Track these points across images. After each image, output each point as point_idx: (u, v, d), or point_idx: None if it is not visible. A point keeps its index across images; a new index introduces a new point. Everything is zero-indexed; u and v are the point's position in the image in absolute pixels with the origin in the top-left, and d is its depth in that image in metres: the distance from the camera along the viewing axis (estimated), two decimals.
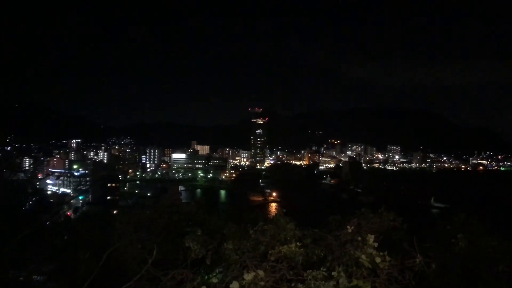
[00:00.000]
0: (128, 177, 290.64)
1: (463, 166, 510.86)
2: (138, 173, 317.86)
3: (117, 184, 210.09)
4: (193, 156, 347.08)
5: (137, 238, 13.23)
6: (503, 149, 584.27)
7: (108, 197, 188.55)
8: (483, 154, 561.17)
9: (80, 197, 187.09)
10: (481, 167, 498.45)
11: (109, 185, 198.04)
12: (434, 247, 9.19)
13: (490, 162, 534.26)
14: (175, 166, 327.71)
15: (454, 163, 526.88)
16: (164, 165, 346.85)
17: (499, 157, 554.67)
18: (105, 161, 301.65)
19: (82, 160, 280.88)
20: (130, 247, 12.83)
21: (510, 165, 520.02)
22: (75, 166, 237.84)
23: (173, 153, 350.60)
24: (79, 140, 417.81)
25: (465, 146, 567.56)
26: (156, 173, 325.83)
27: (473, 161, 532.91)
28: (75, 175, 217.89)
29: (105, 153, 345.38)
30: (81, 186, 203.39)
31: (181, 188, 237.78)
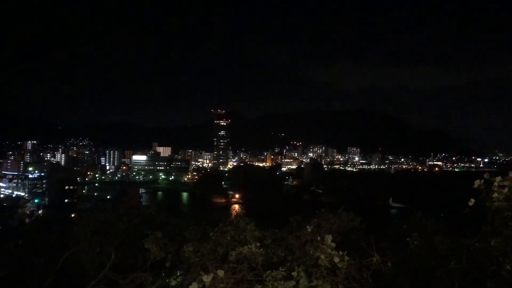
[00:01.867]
0: (86, 179, 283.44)
1: (419, 167, 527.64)
2: (97, 175, 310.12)
3: (75, 187, 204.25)
4: (154, 158, 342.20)
5: (96, 242, 12.93)
6: (457, 151, 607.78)
7: (66, 200, 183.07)
8: (438, 155, 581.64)
9: (36, 200, 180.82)
10: (436, 168, 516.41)
11: (66, 187, 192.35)
12: (390, 246, 9.46)
13: (445, 163, 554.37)
14: (135, 168, 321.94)
15: (411, 164, 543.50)
16: (124, 167, 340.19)
17: (454, 158, 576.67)
18: (63, 163, 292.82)
19: (38, 162, 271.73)
20: (88, 251, 12.53)
21: (464, 166, 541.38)
22: (30, 168, 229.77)
23: (134, 154, 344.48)
24: (34, 142, 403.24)
25: (422, 148, 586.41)
26: (116, 175, 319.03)
27: (429, 162, 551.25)
28: (30, 178, 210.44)
29: (63, 154, 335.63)
30: (36, 189, 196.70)
31: (141, 190, 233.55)
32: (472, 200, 7.50)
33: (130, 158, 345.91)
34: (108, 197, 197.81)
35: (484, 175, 7.61)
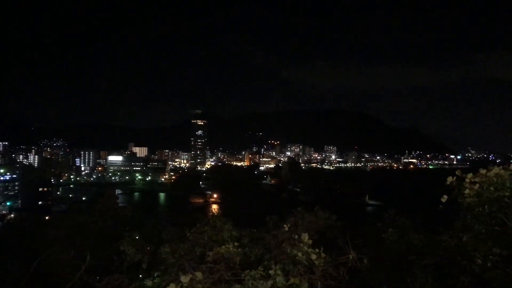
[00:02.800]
0: (61, 181, 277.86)
1: (395, 165, 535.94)
2: (72, 176, 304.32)
3: (49, 189, 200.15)
4: (131, 158, 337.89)
5: (70, 244, 12.71)
6: (431, 149, 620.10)
7: (39, 203, 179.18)
8: (413, 153, 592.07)
9: (8, 203, 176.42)
10: (411, 166, 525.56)
11: (40, 189, 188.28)
12: (366, 243, 9.60)
13: (420, 161, 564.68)
14: (111, 169, 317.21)
15: (387, 162, 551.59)
16: (100, 168, 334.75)
17: (428, 156, 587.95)
18: (36, 165, 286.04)
19: (10, 164, 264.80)
20: (63, 253, 12.30)
21: (438, 163, 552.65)
22: (2, 170, 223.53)
23: (109, 155, 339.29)
24: (6, 143, 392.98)
25: (397, 146, 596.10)
26: (91, 177, 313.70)
27: (404, 160, 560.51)
28: (2, 180, 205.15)
29: (36, 156, 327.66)
30: (8, 192, 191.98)
31: (118, 191, 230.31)
32: (445, 197, 7.67)
33: (106, 159, 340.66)
34: (83, 198, 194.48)
35: (456, 172, 7.79)
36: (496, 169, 7.41)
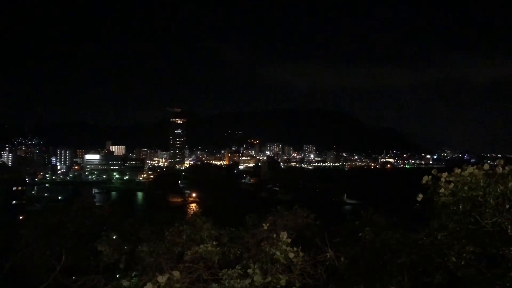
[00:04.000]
0: (36, 180, 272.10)
1: (372, 164, 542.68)
2: (47, 175, 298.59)
3: (24, 188, 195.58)
4: (108, 157, 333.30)
5: (45, 245, 12.46)
6: (408, 148, 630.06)
7: (14, 202, 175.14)
8: (390, 153, 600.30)
9: None
10: (388, 165, 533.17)
11: (14, 188, 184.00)
12: (344, 242, 9.69)
13: (397, 160, 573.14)
14: (88, 168, 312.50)
15: (364, 162, 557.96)
16: (76, 167, 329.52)
17: (405, 155, 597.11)
18: (10, 163, 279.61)
19: None
20: (37, 254, 12.05)
21: (414, 163, 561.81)
22: None
23: (86, 154, 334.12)
24: None
25: (374, 146, 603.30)
26: (68, 176, 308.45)
27: (382, 160, 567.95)
28: None
29: (10, 154, 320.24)
30: None
31: (95, 190, 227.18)
32: (420, 195, 7.80)
33: (83, 158, 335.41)
34: (59, 198, 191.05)
35: (432, 171, 7.94)
36: (470, 169, 7.56)
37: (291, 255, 7.99)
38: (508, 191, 7.03)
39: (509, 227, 7.05)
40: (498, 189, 7.08)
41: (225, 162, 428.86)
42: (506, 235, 7.03)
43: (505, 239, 6.92)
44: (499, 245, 6.81)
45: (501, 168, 7.55)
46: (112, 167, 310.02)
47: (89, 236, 12.61)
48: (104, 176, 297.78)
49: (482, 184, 7.23)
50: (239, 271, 7.68)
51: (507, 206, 7.10)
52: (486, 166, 7.61)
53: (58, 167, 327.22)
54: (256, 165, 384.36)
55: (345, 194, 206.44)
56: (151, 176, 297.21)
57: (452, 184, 7.47)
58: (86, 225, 14.39)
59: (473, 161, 24.89)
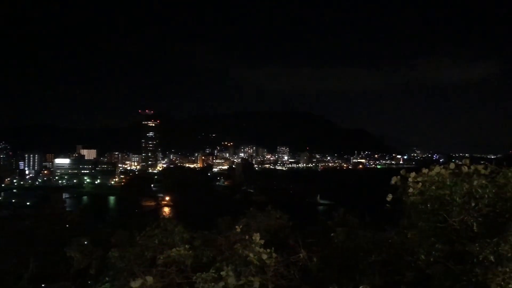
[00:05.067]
0: (3, 185, 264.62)
1: (344, 165, 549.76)
2: (15, 181, 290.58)
3: None
4: (79, 161, 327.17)
5: (12, 252, 12.15)
6: (379, 149, 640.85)
7: None
8: (362, 153, 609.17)
9: None
10: (360, 166, 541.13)
11: None
12: (316, 242, 9.78)
13: (368, 161, 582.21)
14: (58, 172, 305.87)
15: (337, 162, 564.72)
16: (46, 172, 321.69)
17: (376, 156, 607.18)
18: None
19: None
20: (4, 262, 11.74)
21: (385, 163, 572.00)
22: None
23: (56, 158, 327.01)
24: None
25: (346, 147, 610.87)
26: (37, 180, 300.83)
27: (354, 160, 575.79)
28: None
29: None
30: None
31: (65, 195, 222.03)
32: (390, 195, 7.96)
33: (52, 162, 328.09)
34: (27, 203, 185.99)
35: (401, 172, 8.11)
36: (437, 169, 7.77)
37: (264, 256, 8.02)
38: (473, 190, 7.24)
39: (475, 224, 7.26)
40: (464, 188, 7.28)
41: (198, 165, 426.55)
42: (472, 232, 7.24)
43: (471, 236, 7.12)
44: (466, 242, 7.00)
45: (466, 167, 7.78)
46: (83, 171, 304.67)
47: (59, 242, 12.36)
48: (74, 181, 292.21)
49: (448, 183, 7.42)
50: (213, 274, 7.65)
51: (473, 204, 7.32)
52: (452, 166, 7.83)
53: (27, 172, 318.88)
54: (230, 168, 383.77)
55: (318, 195, 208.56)
56: (123, 180, 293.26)
57: (420, 183, 7.66)
58: (55, 231, 14.09)
59: (442, 161, 25.51)
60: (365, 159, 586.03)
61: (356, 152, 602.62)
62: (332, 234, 9.49)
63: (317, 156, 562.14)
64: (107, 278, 9.40)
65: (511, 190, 7.13)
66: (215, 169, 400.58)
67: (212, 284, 7.31)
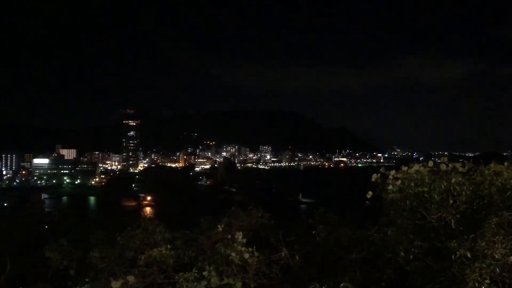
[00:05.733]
0: None
1: (326, 164, 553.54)
2: None
3: None
4: (58, 161, 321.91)
5: None
6: (360, 148, 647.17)
7: None
8: (343, 152, 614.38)
9: None
10: (342, 164, 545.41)
11: None
12: (298, 240, 9.83)
13: (350, 159, 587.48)
14: (37, 173, 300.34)
15: (319, 161, 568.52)
16: (24, 172, 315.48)
17: (357, 154, 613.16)
18: None
19: None
20: None
21: (366, 162, 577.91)
22: None
23: (35, 158, 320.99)
24: None
25: (328, 145, 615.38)
26: (15, 181, 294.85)
27: (335, 159, 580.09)
28: None
29: None
30: None
31: (44, 196, 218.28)
32: (370, 193, 8.06)
33: (31, 162, 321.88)
34: (5, 204, 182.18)
35: (381, 169, 8.22)
36: (416, 166, 7.89)
37: (246, 255, 8.03)
38: (451, 187, 7.37)
39: (453, 221, 7.39)
40: (442, 185, 7.41)
41: (180, 164, 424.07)
42: (450, 229, 7.37)
43: (449, 233, 7.25)
44: (444, 238, 7.12)
45: (445, 165, 7.93)
46: (62, 171, 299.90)
47: (37, 243, 12.13)
48: (54, 181, 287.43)
49: (427, 181, 7.54)
50: (195, 273, 7.63)
51: (451, 201, 7.45)
52: (430, 164, 7.97)
53: (4, 172, 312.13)
54: (213, 167, 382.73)
55: (301, 194, 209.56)
56: (104, 180, 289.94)
57: (400, 181, 7.77)
58: (33, 232, 13.82)
59: (422, 159, 25.81)
60: (347, 158, 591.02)
61: (337, 150, 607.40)
62: (313, 232, 9.54)
63: (299, 155, 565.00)
64: (87, 279, 9.28)
65: (488, 187, 7.27)
66: (197, 169, 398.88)
67: (195, 284, 7.28)
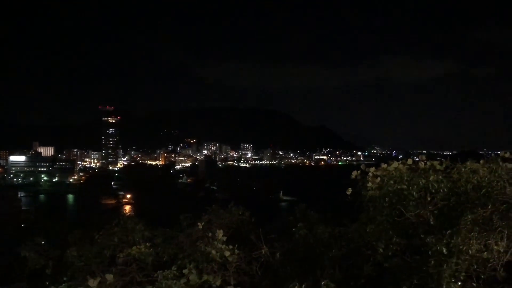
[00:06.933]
0: None
1: (307, 162, 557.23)
2: None
3: None
4: (35, 158, 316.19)
5: None
6: (340, 146, 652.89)
7: None
8: (324, 150, 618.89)
9: None
10: (322, 162, 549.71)
11: None
12: (278, 238, 9.85)
13: (330, 157, 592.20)
14: (13, 170, 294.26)
15: (299, 159, 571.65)
16: None
17: (337, 152, 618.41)
18: None
19: None
20: None
21: (346, 160, 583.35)
22: None
23: (11, 155, 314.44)
24: None
25: (309, 143, 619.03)
26: None
27: (316, 157, 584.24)
28: None
29: None
30: None
31: (21, 194, 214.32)
32: (350, 189, 8.13)
33: (7, 159, 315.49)
34: None
35: (361, 167, 8.30)
36: (395, 164, 8.00)
37: (227, 253, 8.02)
38: (429, 184, 7.49)
39: (431, 218, 7.51)
40: (420, 183, 7.51)
41: (161, 162, 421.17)
42: (428, 225, 7.48)
43: (427, 230, 7.35)
44: (422, 235, 7.22)
45: (423, 163, 8.05)
46: (40, 168, 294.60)
47: (12, 242, 11.89)
48: (31, 179, 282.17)
49: (406, 178, 7.64)
50: (174, 271, 7.59)
51: (429, 198, 7.57)
52: (409, 161, 8.09)
53: None
54: (193, 165, 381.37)
55: (281, 191, 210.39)
56: (83, 178, 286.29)
57: (379, 178, 7.86)
58: (8, 231, 13.56)
59: (401, 157, 26.43)
60: (327, 156, 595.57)
61: (318, 149, 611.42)
62: (293, 230, 9.58)
63: (280, 153, 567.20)
64: (64, 278, 9.13)
65: (464, 184, 7.41)
66: (177, 166, 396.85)
67: (174, 281, 7.24)
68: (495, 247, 6.44)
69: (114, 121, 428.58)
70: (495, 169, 7.22)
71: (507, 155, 7.55)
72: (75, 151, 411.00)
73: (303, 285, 6.86)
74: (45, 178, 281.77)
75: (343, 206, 8.82)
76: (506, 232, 6.53)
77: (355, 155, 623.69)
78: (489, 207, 6.74)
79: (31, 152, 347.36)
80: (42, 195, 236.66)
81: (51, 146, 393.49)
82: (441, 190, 7.45)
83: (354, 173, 8.16)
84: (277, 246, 9.29)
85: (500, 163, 7.31)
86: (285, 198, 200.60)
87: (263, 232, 9.51)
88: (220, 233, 8.14)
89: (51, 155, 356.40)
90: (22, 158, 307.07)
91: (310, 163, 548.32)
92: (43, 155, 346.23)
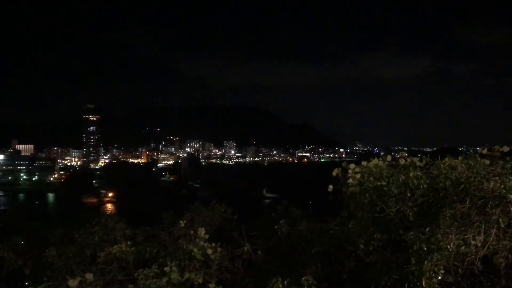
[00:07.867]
0: None
1: (290, 159, 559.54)
2: None
3: None
4: (14, 156, 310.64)
5: None
6: (322, 143, 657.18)
7: None
8: (306, 147, 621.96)
9: None
10: (305, 159, 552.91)
11: None
12: (261, 235, 9.86)
13: (313, 155, 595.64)
14: None
15: (282, 156, 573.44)
16: None
17: (320, 150, 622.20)
18: None
19: None
20: None
21: (329, 157, 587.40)
22: None
23: None
24: None
25: (292, 141, 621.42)
26: None
27: (299, 154, 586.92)
28: None
29: None
30: None
31: None
32: (331, 186, 8.18)
33: None
34: None
35: (342, 164, 8.36)
36: (375, 161, 8.07)
37: (209, 251, 7.99)
38: (409, 181, 7.57)
39: (411, 213, 7.59)
40: (400, 179, 7.59)
41: (143, 160, 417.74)
42: (408, 221, 7.56)
43: (407, 225, 7.44)
44: (402, 231, 7.30)
45: (403, 160, 8.14)
46: (19, 167, 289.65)
47: None
48: (9, 178, 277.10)
49: (386, 175, 7.72)
50: (156, 270, 7.53)
51: (409, 195, 7.65)
52: (389, 158, 8.17)
53: None
54: (176, 162, 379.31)
55: (265, 189, 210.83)
56: (63, 176, 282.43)
57: (359, 175, 7.92)
58: None
59: (382, 154, 26.64)
60: (310, 153, 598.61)
61: (301, 146, 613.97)
62: (276, 227, 9.60)
63: (264, 151, 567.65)
64: (44, 278, 8.99)
65: (443, 181, 7.50)
66: (160, 164, 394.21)
67: (155, 280, 7.19)
68: (473, 242, 6.57)
69: (95, 119, 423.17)
70: (473, 165, 7.33)
71: (485, 151, 7.69)
72: (56, 149, 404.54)
73: (285, 281, 6.89)
74: (24, 177, 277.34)
75: (325, 203, 8.87)
76: (483, 227, 6.66)
77: (338, 152, 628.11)
78: (467, 202, 6.86)
79: (10, 151, 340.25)
80: (21, 194, 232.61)
81: (31, 144, 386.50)
82: (421, 186, 7.54)
83: (335, 171, 8.21)
84: (260, 243, 9.30)
85: (478, 159, 7.43)
86: (268, 195, 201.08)
87: (246, 229, 9.51)
88: (202, 231, 8.10)
89: (31, 153, 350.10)
90: (0, 156, 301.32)
91: (293, 160, 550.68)
92: (22, 153, 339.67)
